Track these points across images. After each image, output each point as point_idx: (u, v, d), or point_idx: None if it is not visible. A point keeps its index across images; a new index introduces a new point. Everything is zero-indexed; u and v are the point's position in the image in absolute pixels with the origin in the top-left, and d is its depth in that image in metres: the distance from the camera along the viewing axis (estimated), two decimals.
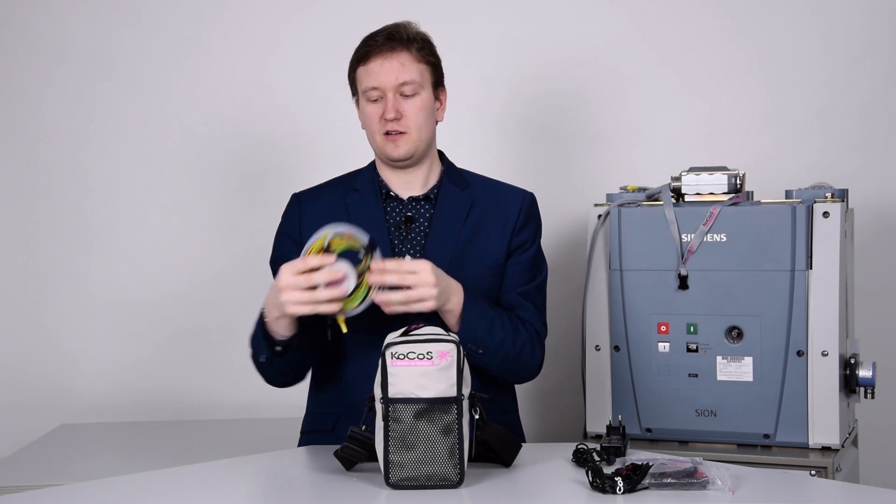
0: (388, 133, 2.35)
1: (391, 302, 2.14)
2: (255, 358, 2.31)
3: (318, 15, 3.47)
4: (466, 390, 1.97)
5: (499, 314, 2.31)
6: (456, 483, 1.94)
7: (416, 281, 2.15)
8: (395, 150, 2.36)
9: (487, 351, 2.26)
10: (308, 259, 2.11)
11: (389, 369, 1.94)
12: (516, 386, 2.51)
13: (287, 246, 2.42)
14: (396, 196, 2.41)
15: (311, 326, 2.25)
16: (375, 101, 2.36)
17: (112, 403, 3.47)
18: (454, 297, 2.22)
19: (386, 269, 2.12)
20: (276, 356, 2.25)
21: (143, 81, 3.50)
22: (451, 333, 2.01)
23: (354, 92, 2.44)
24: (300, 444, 2.46)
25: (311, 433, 2.44)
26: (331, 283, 2.10)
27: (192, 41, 3.50)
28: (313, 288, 2.10)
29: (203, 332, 3.50)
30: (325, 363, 2.41)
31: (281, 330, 2.21)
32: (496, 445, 2.05)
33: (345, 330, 2.14)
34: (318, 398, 2.45)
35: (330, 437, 2.34)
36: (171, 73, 3.50)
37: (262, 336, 2.25)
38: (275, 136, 3.49)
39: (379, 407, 1.96)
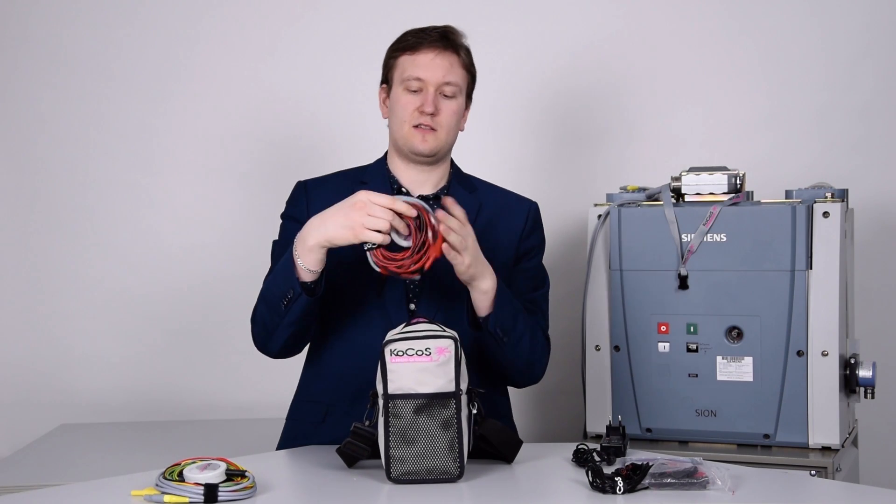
0: (418, 126, 2.35)
1: (452, 235, 2.12)
2: (278, 301, 2.22)
3: (319, 15, 3.48)
4: (464, 385, 1.99)
5: (523, 311, 2.32)
6: (456, 476, 1.95)
7: (467, 234, 2.16)
8: (422, 144, 2.36)
9: (510, 341, 2.26)
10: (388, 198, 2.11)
11: (389, 366, 1.96)
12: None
13: (295, 229, 2.37)
14: (407, 192, 2.42)
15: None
16: (414, 91, 2.36)
17: (112, 403, 3.47)
18: (488, 278, 2.21)
19: (453, 215, 2.13)
20: (306, 292, 2.19)
21: (143, 81, 3.50)
22: (448, 329, 2.02)
23: (386, 80, 2.43)
24: (284, 432, 2.45)
25: (299, 422, 2.42)
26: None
27: (192, 41, 3.50)
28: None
29: (203, 332, 3.50)
30: (320, 352, 2.41)
31: (311, 263, 2.17)
32: (495, 441, 2.06)
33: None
34: (307, 385, 2.44)
35: (319, 430, 2.33)
36: (172, 72, 3.50)
37: (291, 270, 2.18)
38: (275, 135, 3.49)
39: (380, 402, 1.98)
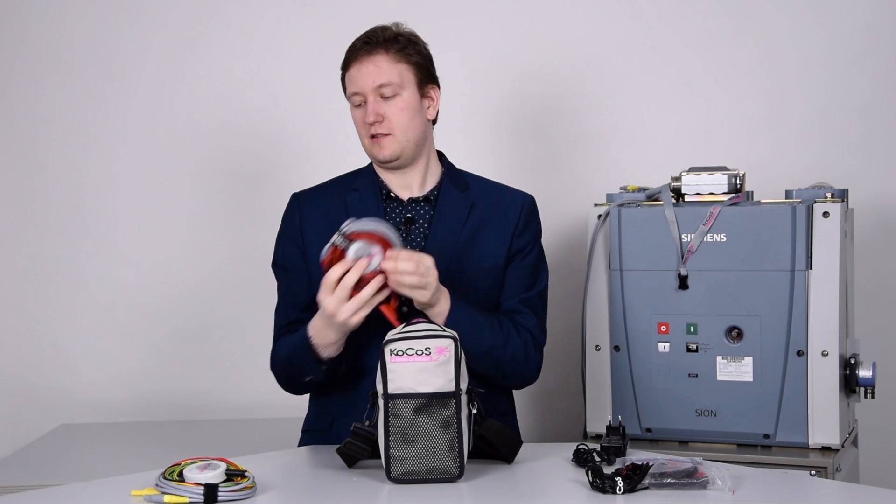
0: (373, 136, 2.35)
1: (402, 281, 2.13)
2: (299, 378, 2.30)
3: (316, 15, 3.48)
4: (464, 385, 1.99)
5: (489, 319, 2.30)
6: (456, 476, 1.96)
7: (424, 271, 2.15)
8: (380, 152, 2.35)
9: (475, 355, 2.23)
10: (330, 273, 2.12)
11: (389, 366, 1.96)
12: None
13: (289, 248, 2.43)
14: (397, 197, 2.41)
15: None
16: (359, 105, 2.36)
17: (112, 403, 3.47)
18: (443, 300, 2.22)
19: (400, 256, 2.12)
20: (328, 373, 2.26)
21: (141, 81, 3.50)
22: (447, 329, 2.02)
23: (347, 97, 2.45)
24: (300, 443, 2.46)
25: (310, 432, 2.45)
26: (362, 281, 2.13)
27: (191, 41, 3.50)
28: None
29: (203, 332, 3.50)
30: None
31: (332, 353, 2.23)
32: (495, 441, 2.06)
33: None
34: (319, 398, 2.45)
35: (327, 436, 2.35)
36: (170, 73, 3.50)
37: (312, 359, 2.23)
38: (274, 135, 3.49)
39: (380, 402, 1.98)
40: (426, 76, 2.39)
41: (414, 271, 2.12)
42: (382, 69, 2.33)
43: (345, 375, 2.32)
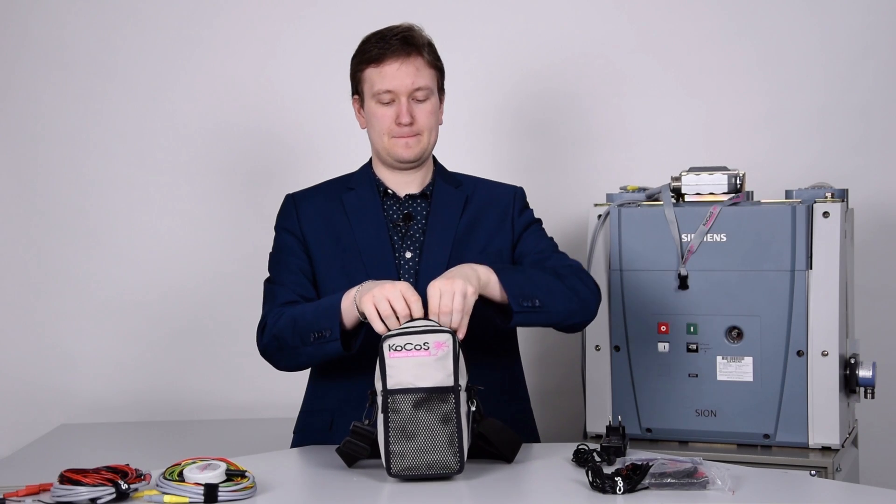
0: (399, 136, 2.36)
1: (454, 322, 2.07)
2: (307, 332, 2.20)
3: (319, 15, 3.48)
4: (463, 381, 1.99)
5: (528, 267, 2.31)
6: (456, 470, 1.96)
7: (443, 297, 2.08)
8: (406, 152, 2.37)
9: (543, 300, 2.19)
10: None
11: (387, 361, 1.96)
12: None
13: (291, 242, 2.42)
14: (394, 194, 2.43)
15: None
16: (387, 103, 2.36)
17: (112, 403, 3.48)
18: (481, 271, 2.15)
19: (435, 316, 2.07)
20: (343, 342, 2.18)
21: (143, 81, 3.50)
22: (444, 326, 2.02)
23: (356, 90, 2.44)
24: (293, 445, 2.45)
25: (304, 432, 2.43)
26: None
27: (192, 41, 3.50)
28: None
29: (203, 332, 3.50)
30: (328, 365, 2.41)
31: (350, 322, 2.17)
32: (495, 440, 2.06)
33: None
34: (315, 394, 2.45)
35: (326, 436, 2.34)
36: (172, 73, 3.50)
37: (336, 312, 2.17)
38: (275, 135, 3.49)
39: (379, 399, 1.98)
40: (442, 83, 2.44)
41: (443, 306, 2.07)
42: (421, 73, 2.36)
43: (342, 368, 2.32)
